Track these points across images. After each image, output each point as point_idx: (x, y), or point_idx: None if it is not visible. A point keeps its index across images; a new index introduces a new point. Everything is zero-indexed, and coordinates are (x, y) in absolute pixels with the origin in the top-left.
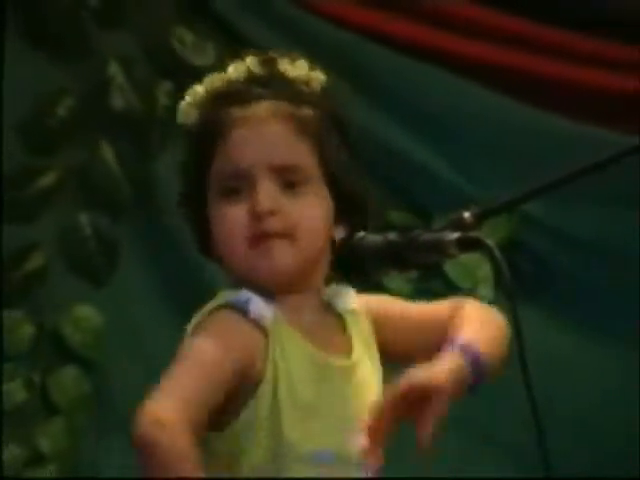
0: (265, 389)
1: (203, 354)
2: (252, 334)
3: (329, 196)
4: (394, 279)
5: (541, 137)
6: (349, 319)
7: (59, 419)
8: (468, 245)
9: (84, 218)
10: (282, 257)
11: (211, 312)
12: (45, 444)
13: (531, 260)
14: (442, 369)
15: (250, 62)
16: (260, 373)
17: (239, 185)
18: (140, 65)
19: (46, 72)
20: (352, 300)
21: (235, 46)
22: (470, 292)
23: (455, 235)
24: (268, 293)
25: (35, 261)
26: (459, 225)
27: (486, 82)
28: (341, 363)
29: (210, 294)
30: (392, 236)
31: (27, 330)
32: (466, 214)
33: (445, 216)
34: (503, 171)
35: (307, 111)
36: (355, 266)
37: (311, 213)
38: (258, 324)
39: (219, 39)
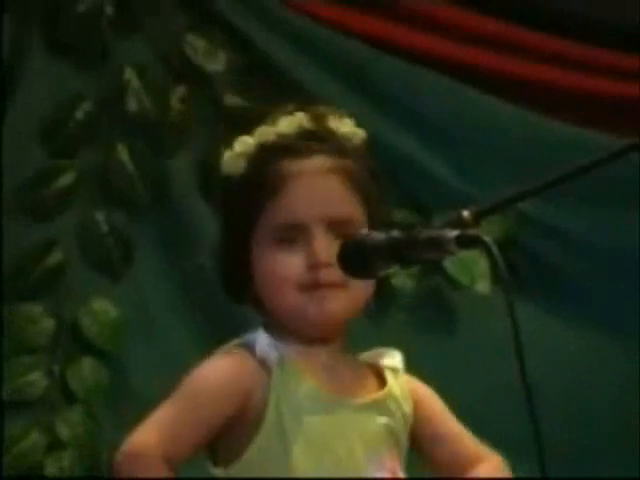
0: (268, 425)
1: (196, 389)
2: (255, 371)
3: None
4: (397, 275)
5: (538, 140)
6: (389, 373)
7: (78, 408)
8: (467, 242)
9: (101, 216)
10: (335, 305)
11: (225, 348)
12: (64, 431)
13: (526, 257)
14: None
15: (301, 117)
16: (261, 410)
17: (295, 236)
18: (154, 71)
19: (66, 79)
20: (395, 360)
21: (245, 54)
22: (469, 287)
23: (454, 233)
24: (309, 340)
25: (54, 257)
26: (458, 223)
27: (484, 88)
28: (355, 401)
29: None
30: (395, 233)
31: (47, 323)
32: (465, 213)
33: (445, 215)
34: (500, 173)
35: (354, 165)
36: (360, 262)
37: None
38: (263, 363)
39: (229, 46)
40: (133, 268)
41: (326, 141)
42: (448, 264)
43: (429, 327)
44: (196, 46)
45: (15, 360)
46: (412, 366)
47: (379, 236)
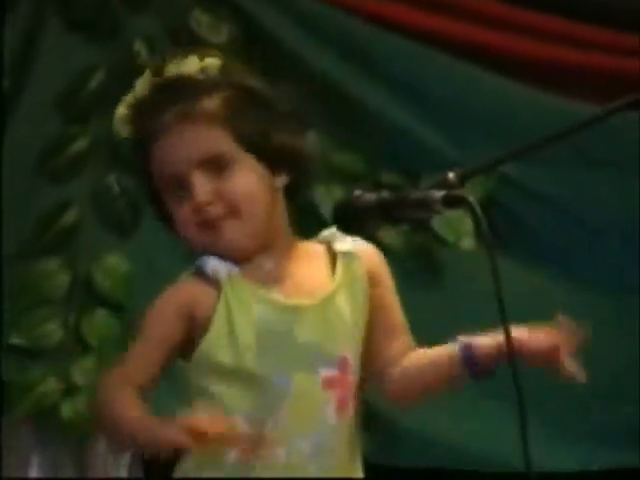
0: (218, 325)
1: (146, 319)
2: (199, 288)
3: (256, 162)
4: (387, 234)
5: (523, 110)
6: (340, 260)
7: (91, 356)
8: (452, 202)
9: (112, 178)
10: (233, 235)
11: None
12: (79, 377)
13: (507, 216)
14: None
15: (146, 75)
16: (210, 316)
17: (178, 186)
18: (162, 43)
19: (80, 52)
20: (347, 243)
21: (246, 27)
22: (454, 244)
23: (441, 193)
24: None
25: (70, 216)
26: (444, 185)
27: (476, 62)
28: (300, 304)
29: None
30: (385, 195)
31: (63, 278)
32: (450, 175)
33: (432, 177)
34: (485, 140)
35: (210, 101)
36: (353, 221)
37: (244, 187)
38: (213, 280)
39: (231, 21)
40: (142, 226)
41: (171, 90)
42: (435, 223)
43: (417, 281)
44: (200, 20)
45: (33, 312)
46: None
47: (371, 197)
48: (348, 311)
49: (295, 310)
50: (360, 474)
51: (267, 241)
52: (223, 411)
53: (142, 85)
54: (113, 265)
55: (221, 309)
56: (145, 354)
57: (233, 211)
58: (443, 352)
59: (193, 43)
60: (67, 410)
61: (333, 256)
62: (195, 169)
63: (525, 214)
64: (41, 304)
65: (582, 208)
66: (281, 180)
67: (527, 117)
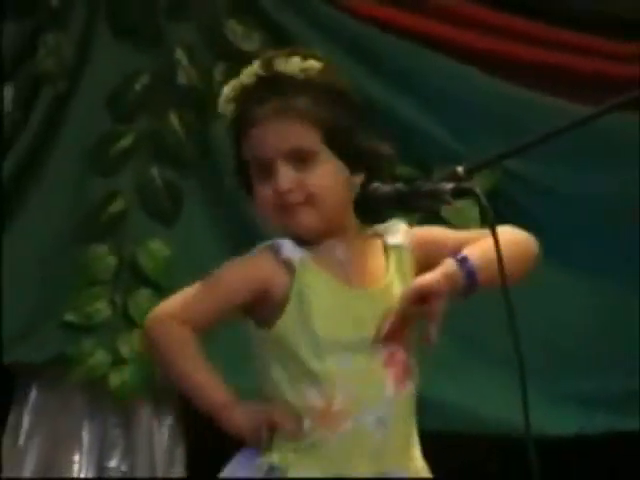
0: (292, 308)
1: (218, 274)
2: (275, 268)
3: (338, 160)
4: (403, 221)
5: (524, 110)
6: (392, 253)
7: (136, 331)
8: (461, 193)
9: (156, 171)
10: (306, 219)
11: (257, 249)
12: (125, 350)
13: (510, 207)
14: (437, 274)
15: (255, 66)
16: (284, 298)
17: (265, 170)
18: (200, 50)
19: (127, 56)
20: (398, 236)
21: (275, 35)
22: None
23: (450, 185)
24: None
25: (117, 205)
26: (453, 177)
27: (477, 65)
28: (364, 291)
29: (258, 229)
30: (400, 186)
31: (110, 261)
32: (459, 168)
33: (442, 170)
34: (491, 136)
35: (305, 100)
36: (370, 210)
37: (323, 181)
38: (287, 263)
39: (262, 29)
40: (182, 214)
41: (275, 84)
42: (445, 211)
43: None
44: (235, 30)
45: (85, 291)
46: None
47: (387, 188)
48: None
49: (359, 296)
50: (417, 445)
51: (338, 230)
52: (295, 382)
53: (250, 74)
54: (155, 249)
55: (294, 297)
56: (208, 300)
57: (309, 200)
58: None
59: (228, 50)
60: (115, 379)
61: (386, 248)
62: (282, 159)
63: (527, 205)
64: (92, 285)
65: (582, 200)
66: (359, 178)
67: (525, 115)
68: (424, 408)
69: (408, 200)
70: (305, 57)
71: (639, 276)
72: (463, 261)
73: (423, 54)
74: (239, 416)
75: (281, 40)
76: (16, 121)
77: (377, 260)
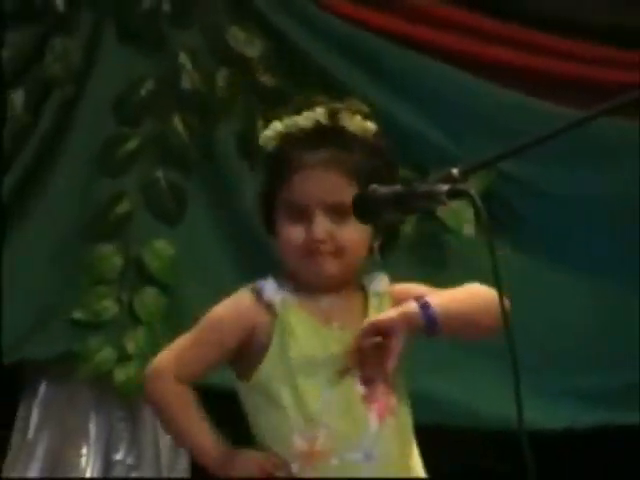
0: (273, 353)
1: (207, 322)
2: (258, 311)
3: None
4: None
5: (516, 113)
6: (373, 299)
7: (141, 328)
8: (456, 195)
9: (160, 173)
10: (331, 269)
11: (241, 290)
12: (131, 347)
13: (504, 207)
14: (395, 312)
15: (319, 113)
16: (267, 342)
17: (301, 213)
18: (203, 56)
19: (132, 62)
20: (380, 284)
21: (275, 41)
22: (457, 231)
23: (446, 187)
24: (313, 290)
25: (123, 206)
26: (449, 179)
27: (471, 71)
28: (343, 332)
29: (258, 231)
30: (397, 188)
31: (117, 260)
32: (454, 170)
33: (438, 172)
34: (484, 139)
35: (354, 157)
36: (370, 211)
37: (353, 237)
38: (269, 306)
39: (263, 37)
40: (186, 215)
41: (335, 136)
42: (441, 212)
43: (425, 263)
44: (237, 36)
45: (92, 290)
46: None
47: (385, 190)
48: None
49: (338, 337)
50: (416, 471)
51: (348, 283)
52: (279, 430)
53: (310, 118)
54: (160, 249)
55: (276, 338)
56: (199, 353)
57: (338, 252)
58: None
59: (230, 55)
60: (120, 375)
61: (367, 295)
62: (322, 209)
63: (521, 206)
64: (98, 283)
65: (576, 201)
66: (377, 242)
67: (518, 119)
68: (420, 403)
69: (405, 201)
70: (365, 116)
71: (636, 276)
72: (425, 306)
73: (416, 58)
74: (238, 467)
75: (282, 48)
76: (25, 124)
77: (357, 303)
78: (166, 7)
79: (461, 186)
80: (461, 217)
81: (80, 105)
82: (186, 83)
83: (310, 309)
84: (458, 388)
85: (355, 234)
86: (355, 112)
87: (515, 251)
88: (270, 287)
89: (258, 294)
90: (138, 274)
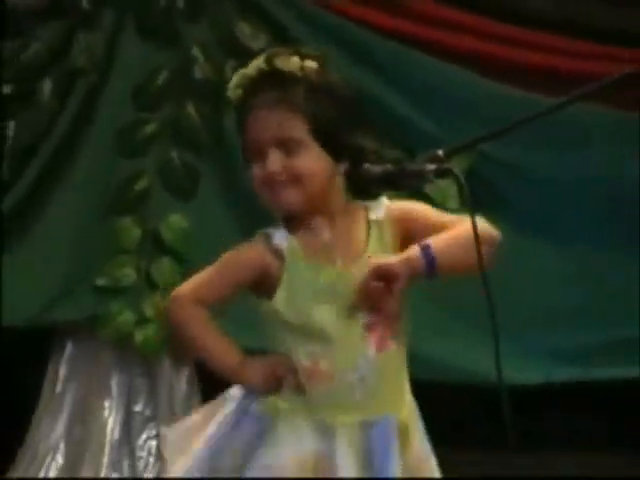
0: (283, 288)
1: (223, 259)
2: (268, 255)
3: (322, 150)
4: (391, 197)
5: (498, 102)
6: (374, 227)
7: (158, 293)
8: (441, 173)
9: (175, 154)
10: (291, 198)
11: (254, 238)
12: (149, 311)
13: (483, 184)
14: (399, 257)
15: (259, 60)
16: (276, 284)
17: (257, 152)
18: (213, 48)
19: (149, 54)
20: (380, 211)
21: (278, 35)
22: (442, 204)
23: (432, 166)
24: (292, 225)
25: (142, 184)
26: (435, 159)
27: (458, 63)
28: (346, 271)
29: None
30: (388, 167)
31: (136, 232)
32: (440, 151)
33: (425, 153)
34: (468, 124)
35: (297, 94)
36: (363, 188)
37: (308, 165)
38: (278, 251)
39: (268, 30)
40: (199, 192)
41: (273, 78)
42: (428, 188)
43: None
44: (243, 31)
45: (113, 259)
46: None
47: (377, 169)
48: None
49: (342, 276)
50: (404, 404)
51: (322, 209)
52: (287, 346)
53: (254, 67)
54: (175, 222)
55: (285, 279)
56: (217, 284)
57: (294, 181)
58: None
59: (238, 48)
60: (139, 336)
61: (369, 222)
62: (273, 145)
63: (498, 182)
64: (119, 253)
65: (550, 179)
66: (342, 166)
67: (496, 105)
68: (411, 361)
69: (395, 179)
70: (304, 57)
71: (609, 247)
72: (425, 248)
73: (407, 53)
74: (250, 373)
75: (284, 39)
76: (53, 111)
77: (359, 235)
78: (180, 5)
79: (446, 166)
80: (446, 193)
81: (103, 93)
82: (198, 73)
83: (314, 249)
84: (444, 348)
85: (310, 162)
86: (292, 54)
87: (497, 224)
88: (279, 234)
89: (268, 240)
90: (155, 245)
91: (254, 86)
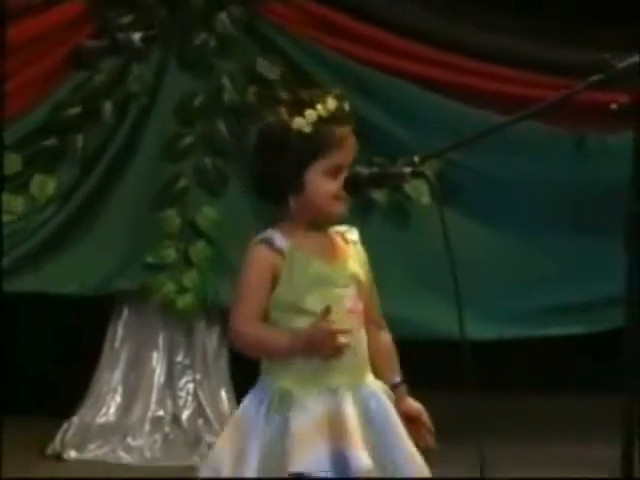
0: (284, 283)
1: (247, 278)
2: (273, 257)
3: None
4: (377, 193)
5: (460, 118)
6: (351, 245)
7: (194, 269)
8: (416, 175)
9: (208, 160)
10: (344, 209)
11: (254, 245)
12: (187, 282)
13: (451, 185)
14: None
15: (334, 99)
16: (279, 276)
17: (338, 172)
18: (239, 78)
19: (188, 82)
20: (355, 235)
21: (290, 69)
22: (417, 200)
23: (409, 169)
24: (313, 228)
25: (181, 183)
26: (411, 164)
27: (432, 89)
28: (335, 265)
29: None
30: (374, 169)
31: (177, 221)
32: (415, 157)
33: (403, 158)
34: (439, 136)
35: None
36: (352, 186)
37: None
38: (279, 251)
39: (281, 64)
40: (227, 190)
41: (349, 116)
42: (406, 187)
43: (394, 223)
44: (262, 64)
45: (159, 242)
46: (384, 247)
47: (364, 171)
48: (360, 273)
49: (332, 268)
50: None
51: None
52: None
53: (331, 103)
54: (208, 213)
55: (285, 272)
56: (255, 299)
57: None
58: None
59: (258, 77)
60: (180, 303)
61: (347, 241)
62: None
63: (461, 182)
64: (164, 238)
65: (498, 178)
66: None
67: (460, 121)
68: (387, 321)
69: (379, 179)
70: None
71: (553, 233)
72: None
73: (395, 82)
74: (299, 349)
75: (293, 71)
76: (113, 126)
77: (342, 245)
78: (212, 44)
79: (420, 169)
80: (420, 190)
81: (151, 113)
82: (227, 97)
83: (307, 248)
84: (412, 309)
85: None
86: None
87: (460, 215)
88: (277, 237)
89: (269, 244)
90: (192, 231)
91: (332, 120)
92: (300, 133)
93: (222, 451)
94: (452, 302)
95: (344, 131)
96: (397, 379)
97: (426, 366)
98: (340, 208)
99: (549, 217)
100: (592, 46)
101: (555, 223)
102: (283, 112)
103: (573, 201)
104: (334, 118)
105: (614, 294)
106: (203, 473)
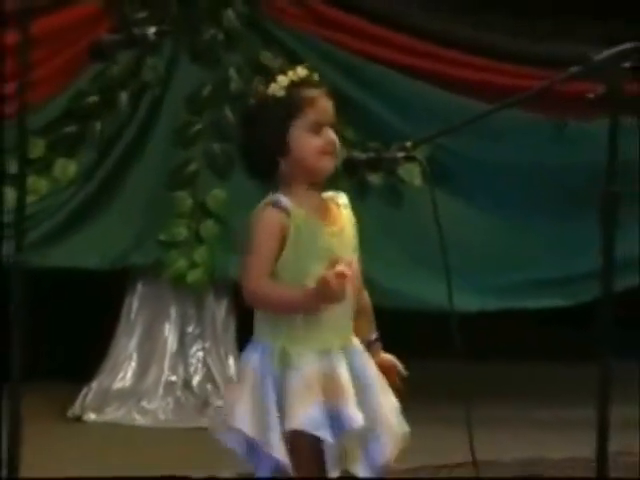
0: (290, 241)
1: (258, 236)
2: (281, 217)
3: None
4: (373, 176)
5: (450, 106)
6: (342, 208)
7: (204, 245)
8: (409, 159)
9: (216, 146)
10: (332, 164)
11: (262, 207)
12: (198, 258)
13: (441, 168)
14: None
15: (304, 68)
16: (287, 236)
17: (319, 128)
18: (244, 69)
19: (198, 73)
20: (345, 200)
21: (290, 59)
22: (410, 182)
23: (402, 154)
24: (310, 188)
25: (191, 168)
26: (404, 149)
27: (425, 80)
28: (333, 227)
29: None
30: (370, 154)
31: (188, 202)
32: (408, 143)
33: (397, 144)
34: (431, 124)
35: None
36: (350, 170)
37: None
38: (286, 211)
39: (282, 55)
40: (234, 173)
41: (317, 81)
42: (399, 170)
43: (389, 204)
44: (266, 56)
45: (171, 220)
46: (379, 225)
47: (361, 155)
48: (352, 235)
49: (330, 231)
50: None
51: (319, 182)
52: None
53: (302, 70)
54: (217, 194)
55: (292, 233)
56: (265, 257)
57: (334, 153)
58: (369, 332)
59: (264, 69)
60: (191, 277)
61: (339, 205)
62: (329, 125)
63: (450, 165)
64: (176, 217)
65: (483, 161)
66: None
67: (449, 109)
68: (379, 292)
69: (375, 163)
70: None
71: (536, 213)
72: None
73: (389, 74)
74: (312, 300)
75: (293, 61)
76: (128, 114)
77: (335, 208)
78: (220, 37)
79: (412, 153)
80: (412, 173)
81: (164, 101)
82: (233, 87)
83: (307, 209)
84: (408, 282)
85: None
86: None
87: (449, 195)
88: (283, 199)
89: (277, 205)
90: (202, 210)
91: (312, 83)
92: (274, 97)
93: (242, 410)
94: (441, 276)
95: (315, 92)
96: (374, 336)
97: (418, 335)
98: (328, 162)
99: (531, 198)
100: (572, 40)
101: (537, 203)
102: (261, 87)
103: (554, 183)
104: (304, 82)
105: (591, 269)
106: (227, 437)
